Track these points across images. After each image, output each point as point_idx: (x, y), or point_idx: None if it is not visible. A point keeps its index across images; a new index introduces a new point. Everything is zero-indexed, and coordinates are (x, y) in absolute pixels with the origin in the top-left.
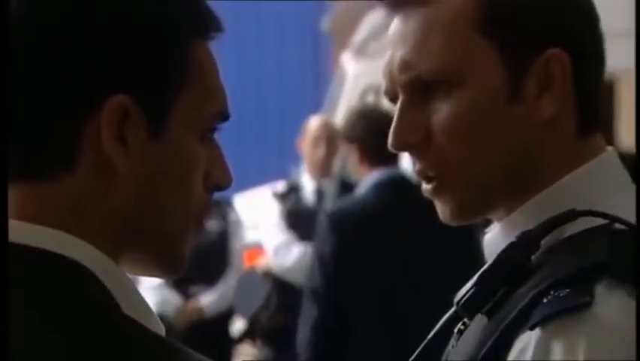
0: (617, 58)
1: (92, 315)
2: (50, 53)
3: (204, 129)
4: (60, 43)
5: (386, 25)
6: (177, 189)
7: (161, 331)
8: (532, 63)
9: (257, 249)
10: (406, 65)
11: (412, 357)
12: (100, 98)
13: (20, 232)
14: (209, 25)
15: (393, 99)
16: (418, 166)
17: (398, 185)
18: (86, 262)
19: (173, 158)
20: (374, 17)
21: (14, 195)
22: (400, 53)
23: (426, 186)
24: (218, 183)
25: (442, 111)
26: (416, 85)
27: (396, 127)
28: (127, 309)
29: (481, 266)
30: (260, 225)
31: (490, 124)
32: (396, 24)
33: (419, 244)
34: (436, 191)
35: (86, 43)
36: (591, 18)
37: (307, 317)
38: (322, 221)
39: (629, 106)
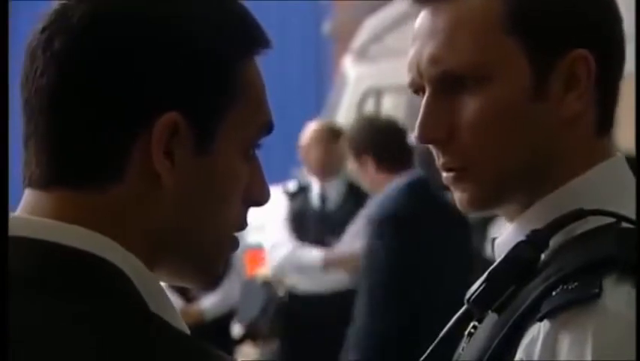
0: None
1: (121, 311)
2: (108, 68)
3: (249, 146)
4: (118, 59)
5: (386, 29)
6: (218, 204)
7: (187, 333)
8: (559, 63)
9: (260, 250)
10: (435, 60)
11: (423, 357)
12: (153, 114)
13: (52, 230)
14: (258, 42)
15: (417, 91)
16: (441, 159)
17: (427, 186)
18: (115, 260)
19: (217, 175)
20: (375, 21)
21: (52, 198)
22: (428, 48)
23: (446, 175)
24: (257, 199)
25: (468, 106)
26: (444, 80)
27: (422, 121)
28: (155, 308)
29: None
30: (264, 226)
31: (516, 120)
32: (423, 18)
33: (455, 240)
34: (456, 180)
35: (144, 60)
36: (616, 19)
37: (374, 323)
38: (382, 223)
39: (629, 110)
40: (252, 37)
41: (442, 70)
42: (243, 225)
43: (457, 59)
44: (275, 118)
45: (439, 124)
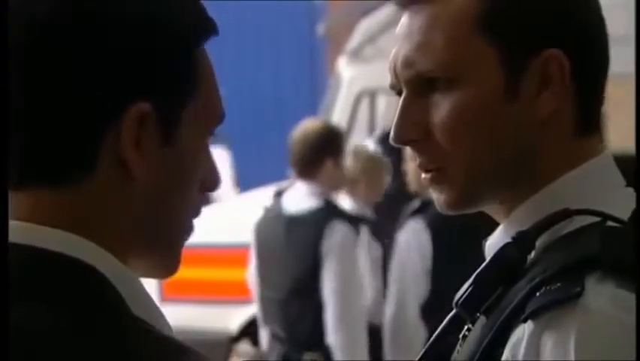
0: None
1: (101, 314)
2: (74, 62)
3: (207, 134)
4: (82, 54)
5: (380, 30)
6: (183, 193)
7: (171, 334)
8: (531, 63)
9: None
10: (408, 62)
11: (417, 359)
12: (122, 105)
13: (32, 234)
14: (209, 28)
15: (399, 93)
16: (418, 160)
17: None
18: (95, 263)
19: (182, 164)
20: (369, 22)
21: (25, 199)
22: (403, 50)
23: (425, 176)
24: (210, 185)
25: (440, 108)
26: (417, 81)
27: (397, 122)
28: (136, 310)
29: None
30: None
31: (487, 122)
32: (403, 20)
33: None
34: (433, 181)
35: (109, 53)
36: (593, 18)
37: None
38: None
39: (629, 111)
40: (205, 24)
41: (415, 72)
42: (200, 211)
43: (429, 61)
44: (270, 119)
45: (415, 125)
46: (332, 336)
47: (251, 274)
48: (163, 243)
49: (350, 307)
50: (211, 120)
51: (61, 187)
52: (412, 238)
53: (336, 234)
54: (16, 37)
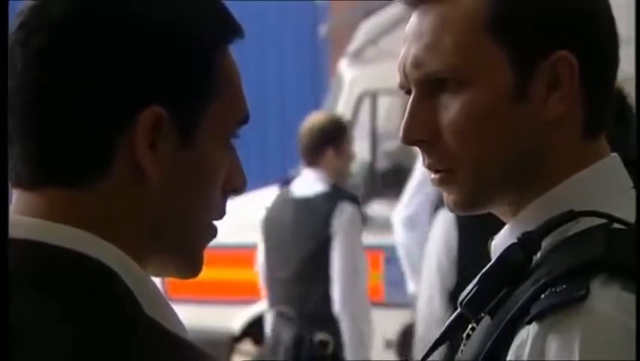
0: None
1: (112, 313)
2: (90, 64)
3: (229, 136)
4: (99, 55)
5: (382, 32)
6: (202, 195)
7: (185, 334)
8: (540, 64)
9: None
10: (417, 62)
11: (420, 358)
12: (136, 108)
13: (44, 230)
14: (232, 31)
15: (408, 93)
16: (426, 160)
17: None
18: (109, 261)
19: (201, 166)
20: (371, 23)
21: (39, 198)
22: (413, 50)
23: (434, 177)
24: (235, 187)
25: (449, 109)
26: (426, 82)
27: (406, 122)
28: (149, 310)
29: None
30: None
31: (496, 123)
32: (413, 20)
33: None
34: (442, 182)
35: (125, 55)
36: (603, 20)
37: None
38: None
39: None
40: (227, 27)
41: (424, 72)
42: (222, 213)
43: (439, 62)
44: (272, 120)
45: (423, 125)
46: (339, 307)
47: (259, 262)
48: (181, 244)
49: (356, 281)
50: (234, 122)
51: (76, 188)
52: (440, 228)
53: (345, 214)
54: (31, 38)
